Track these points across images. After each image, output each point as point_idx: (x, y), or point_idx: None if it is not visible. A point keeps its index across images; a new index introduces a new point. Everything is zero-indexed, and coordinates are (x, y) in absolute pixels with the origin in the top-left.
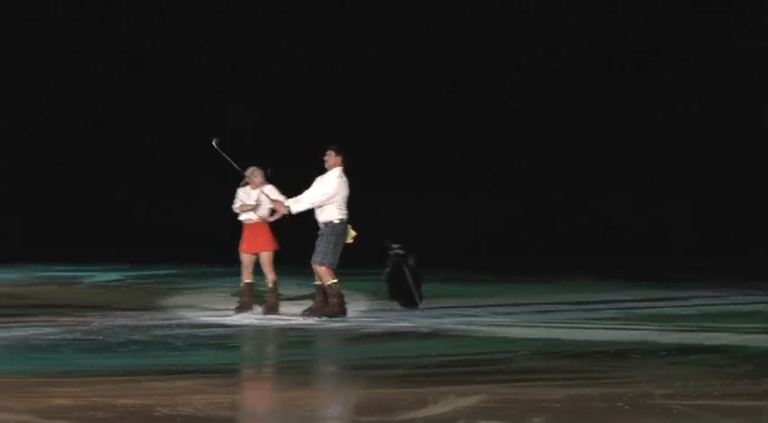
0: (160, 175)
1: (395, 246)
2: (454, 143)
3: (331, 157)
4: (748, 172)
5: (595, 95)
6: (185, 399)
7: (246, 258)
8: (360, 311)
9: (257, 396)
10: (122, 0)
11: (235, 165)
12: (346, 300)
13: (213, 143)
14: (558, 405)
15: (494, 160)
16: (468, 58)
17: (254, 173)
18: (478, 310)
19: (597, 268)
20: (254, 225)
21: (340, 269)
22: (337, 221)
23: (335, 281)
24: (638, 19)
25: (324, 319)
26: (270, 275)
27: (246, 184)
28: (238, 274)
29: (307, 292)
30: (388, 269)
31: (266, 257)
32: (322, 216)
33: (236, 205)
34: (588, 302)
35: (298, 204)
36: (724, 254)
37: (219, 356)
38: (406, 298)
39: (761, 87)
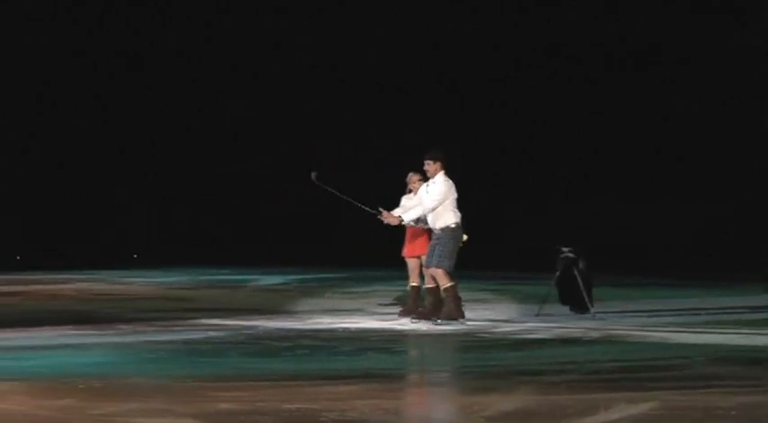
0: (160, 175)
1: (565, 249)
2: (454, 143)
3: (430, 166)
4: (748, 172)
5: (595, 95)
6: (351, 404)
7: (411, 262)
8: (529, 316)
9: (423, 401)
10: (122, 0)
11: (343, 196)
12: (464, 303)
13: (312, 177)
14: (733, 413)
15: (494, 160)
16: (469, 58)
17: (412, 178)
18: (651, 314)
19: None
20: (414, 228)
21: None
22: (454, 225)
23: (452, 284)
24: (639, 19)
25: (439, 321)
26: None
27: (410, 191)
28: (404, 277)
29: (474, 296)
30: (558, 273)
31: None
32: (439, 222)
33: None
34: (763, 307)
35: (410, 213)
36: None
37: (385, 361)
38: (577, 302)
39: (761, 87)
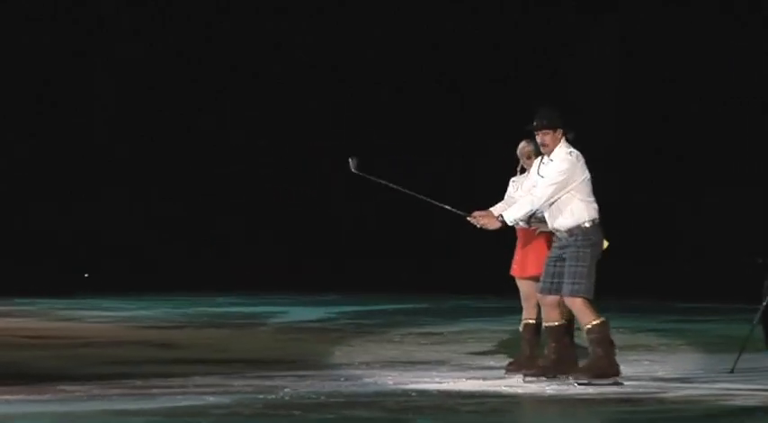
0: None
1: None
2: (454, 143)
3: (548, 136)
4: (748, 172)
5: (596, 95)
6: None
7: (523, 286)
8: (720, 372)
9: None
10: (123, 0)
11: (404, 190)
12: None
13: (351, 166)
14: None
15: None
16: (469, 58)
17: (525, 149)
18: None
19: None
20: (528, 232)
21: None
22: (588, 224)
23: (599, 320)
24: (638, 19)
25: (582, 380)
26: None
27: (522, 170)
28: (513, 310)
29: (630, 340)
30: (765, 302)
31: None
32: (559, 220)
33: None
34: None
35: (514, 208)
36: None
37: None
38: None
39: (761, 87)
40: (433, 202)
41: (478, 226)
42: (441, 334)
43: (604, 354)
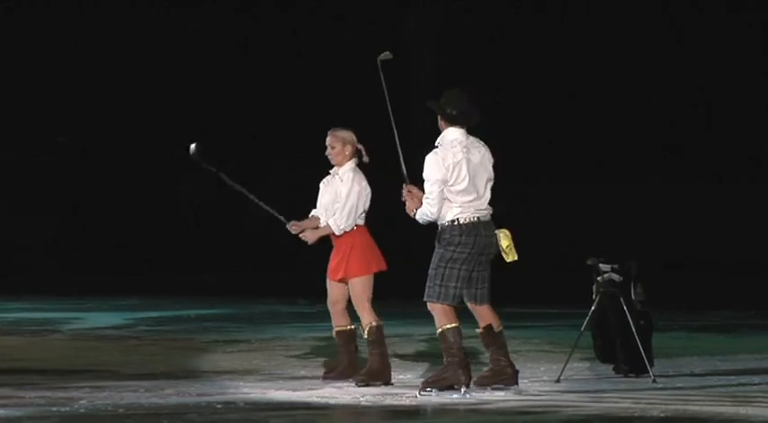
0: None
1: (605, 265)
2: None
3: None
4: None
5: (596, 95)
6: None
7: (333, 290)
8: (546, 381)
9: None
10: (123, 0)
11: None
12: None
13: (191, 151)
14: None
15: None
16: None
17: (338, 139)
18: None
19: None
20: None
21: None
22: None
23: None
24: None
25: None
26: (365, 317)
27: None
28: (324, 315)
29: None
30: (593, 307)
31: (357, 287)
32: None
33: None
34: None
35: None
36: None
37: None
38: (628, 358)
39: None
40: (261, 204)
41: (297, 234)
42: (248, 341)
43: (448, 364)
